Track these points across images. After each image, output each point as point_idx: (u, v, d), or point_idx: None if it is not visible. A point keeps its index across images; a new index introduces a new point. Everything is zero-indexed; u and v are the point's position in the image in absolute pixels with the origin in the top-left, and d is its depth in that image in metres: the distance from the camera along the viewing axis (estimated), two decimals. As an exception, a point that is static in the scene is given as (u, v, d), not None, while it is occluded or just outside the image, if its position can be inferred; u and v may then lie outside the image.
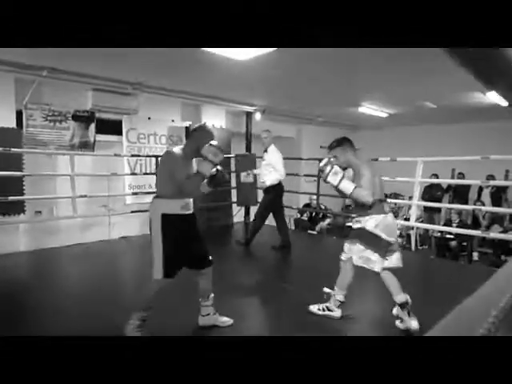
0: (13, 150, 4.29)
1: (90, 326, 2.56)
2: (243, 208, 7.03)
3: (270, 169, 4.65)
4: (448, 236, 6.37)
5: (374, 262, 2.46)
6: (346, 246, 2.62)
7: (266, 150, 4.71)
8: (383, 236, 2.44)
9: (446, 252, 6.39)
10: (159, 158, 2.72)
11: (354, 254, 2.54)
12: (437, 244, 6.72)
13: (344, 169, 2.58)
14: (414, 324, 2.41)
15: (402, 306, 2.48)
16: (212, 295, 2.52)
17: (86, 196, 5.02)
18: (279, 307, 2.97)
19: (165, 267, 2.24)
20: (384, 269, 2.48)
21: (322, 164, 2.54)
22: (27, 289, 3.46)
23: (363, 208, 2.49)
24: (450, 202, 7.64)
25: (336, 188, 2.52)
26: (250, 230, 5.00)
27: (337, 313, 2.66)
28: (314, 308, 2.73)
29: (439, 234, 6.62)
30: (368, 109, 6.90)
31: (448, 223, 6.47)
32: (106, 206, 5.77)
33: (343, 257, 2.63)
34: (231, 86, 5.35)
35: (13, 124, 4.59)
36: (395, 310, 2.54)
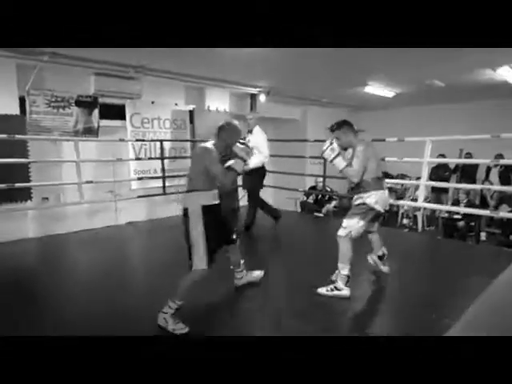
0: (17, 136, 4.28)
1: (98, 311, 2.59)
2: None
3: (255, 151, 4.58)
4: (455, 216, 6.33)
5: (362, 230, 2.75)
6: (345, 221, 2.76)
7: (250, 131, 4.63)
8: (381, 209, 2.77)
9: (454, 232, 6.36)
10: (191, 152, 2.86)
11: (354, 228, 2.70)
12: (444, 224, 6.69)
13: (345, 149, 2.84)
14: (385, 269, 3.02)
15: (380, 258, 3.01)
16: (242, 261, 2.88)
17: (91, 182, 5.03)
18: (286, 290, 2.98)
19: (208, 256, 2.34)
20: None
21: (324, 145, 2.80)
22: (36, 275, 3.51)
23: (364, 185, 2.76)
24: (457, 182, 7.56)
25: (331, 162, 2.79)
26: (248, 214, 5.00)
27: (345, 291, 2.68)
28: (322, 290, 2.75)
29: (446, 214, 6.58)
30: (374, 88, 6.76)
31: (456, 203, 6.42)
32: (112, 192, 5.79)
33: (341, 232, 2.73)
34: (235, 67, 5.25)
35: (16, 111, 4.57)
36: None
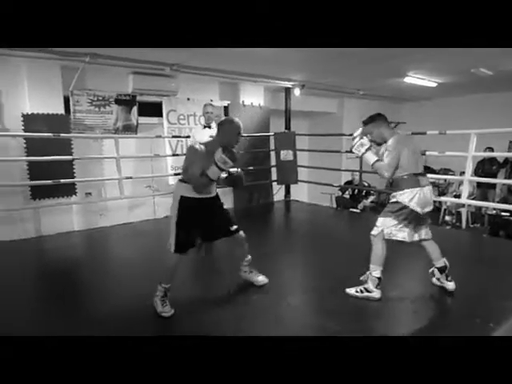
0: (62, 135, 4.52)
1: (132, 307, 2.68)
2: (283, 186, 6.98)
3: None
4: (503, 214, 5.95)
5: (406, 234, 2.56)
6: (379, 220, 2.63)
7: (209, 126, 4.40)
8: (417, 208, 2.54)
9: (500, 230, 5.98)
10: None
11: (386, 227, 2.57)
12: (491, 222, 6.30)
13: (378, 144, 2.67)
14: (450, 286, 2.70)
15: (441, 270, 2.73)
16: (248, 257, 2.86)
17: (131, 177, 5.22)
18: (315, 288, 2.93)
19: (176, 242, 2.45)
20: (416, 241, 2.62)
21: (354, 140, 2.67)
22: (79, 267, 3.70)
23: (398, 182, 2.59)
24: (506, 178, 7.09)
25: (360, 158, 2.70)
26: None
27: (376, 294, 2.59)
28: (351, 291, 2.68)
29: (494, 211, 6.20)
30: (414, 79, 6.46)
31: (506, 200, 6.02)
32: (150, 187, 5.97)
33: (374, 231, 2.63)
34: (269, 62, 5.20)
35: (61, 110, 4.81)
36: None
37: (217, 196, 2.70)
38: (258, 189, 6.71)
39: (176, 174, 5.87)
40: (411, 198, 2.53)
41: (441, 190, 7.74)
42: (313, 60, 5.25)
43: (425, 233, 2.71)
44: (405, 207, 2.54)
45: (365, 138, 2.64)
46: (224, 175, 2.62)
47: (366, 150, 2.61)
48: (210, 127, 4.43)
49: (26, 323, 2.40)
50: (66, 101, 4.87)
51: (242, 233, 2.77)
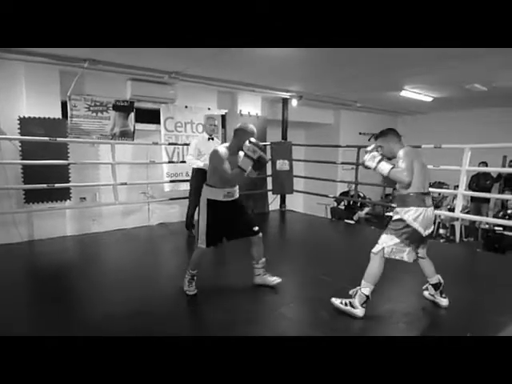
0: (58, 139, 4.51)
1: (123, 310, 2.65)
2: (279, 196, 6.99)
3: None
4: (497, 228, 5.98)
5: (406, 254, 2.50)
6: (382, 237, 2.57)
7: (212, 138, 4.63)
8: (420, 229, 2.48)
9: (495, 244, 6.00)
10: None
11: (387, 245, 2.50)
12: (484, 236, 6.34)
13: (389, 159, 2.61)
14: (444, 302, 2.70)
15: (436, 286, 2.73)
16: (263, 259, 3.05)
17: (126, 183, 5.20)
18: (300, 298, 2.92)
19: (207, 238, 2.79)
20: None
21: (366, 155, 2.64)
22: (71, 271, 3.66)
23: (404, 199, 2.51)
24: (500, 192, 7.15)
25: (375, 170, 2.60)
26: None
27: (359, 311, 2.52)
28: (336, 301, 2.63)
29: (487, 225, 6.23)
30: (411, 93, 6.54)
31: (501, 214, 6.07)
32: (145, 193, 5.95)
33: (375, 249, 2.56)
34: (267, 72, 5.25)
35: (58, 114, 4.81)
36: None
37: (239, 199, 2.97)
38: (253, 198, 6.71)
39: (172, 181, 5.87)
40: (416, 217, 2.46)
41: (435, 203, 7.79)
42: (311, 71, 5.31)
43: (422, 252, 2.68)
44: (408, 226, 2.47)
45: (375, 151, 2.60)
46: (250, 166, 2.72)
47: (379, 162, 2.53)
48: (213, 139, 4.58)
49: (17, 326, 2.37)
50: (64, 105, 4.87)
51: (260, 234, 3.01)
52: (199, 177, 4.40)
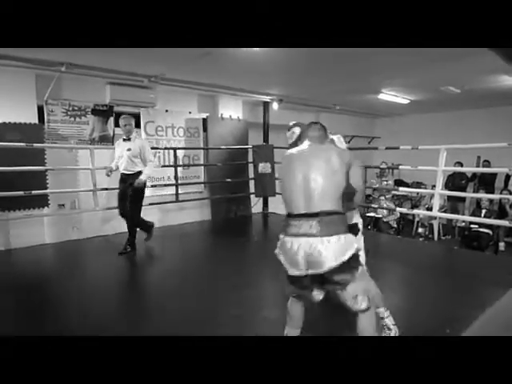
0: (35, 145, 4.41)
1: (102, 316, 2.62)
2: (261, 199, 7.02)
3: (137, 159, 4.23)
4: (472, 226, 6.18)
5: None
6: None
7: (128, 139, 4.25)
8: (286, 266, 1.87)
9: (474, 242, 6.19)
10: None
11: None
12: (460, 234, 6.53)
13: None
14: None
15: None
16: None
17: (106, 189, 5.11)
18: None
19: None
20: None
21: None
22: (49, 280, 3.57)
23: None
24: (474, 191, 7.39)
25: None
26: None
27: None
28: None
29: (463, 223, 6.43)
30: (388, 95, 6.70)
31: (477, 212, 6.27)
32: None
33: None
34: (247, 75, 5.29)
35: (35, 120, 4.70)
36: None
37: None
38: (235, 201, 6.72)
39: (153, 186, 5.81)
40: (278, 247, 1.92)
41: (413, 202, 7.98)
42: (291, 75, 5.38)
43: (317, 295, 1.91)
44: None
45: None
46: None
47: None
48: (129, 139, 4.23)
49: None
50: (41, 110, 4.77)
51: None
52: (119, 184, 4.34)
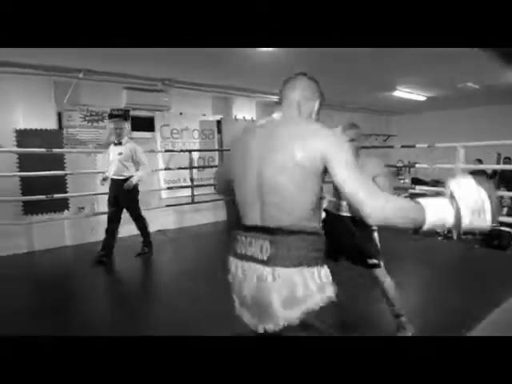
0: (54, 150, 4.53)
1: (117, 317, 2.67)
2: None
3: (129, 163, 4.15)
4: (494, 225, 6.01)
5: None
6: None
7: (120, 143, 4.14)
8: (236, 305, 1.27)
9: (495, 241, 6.02)
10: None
11: None
12: (481, 233, 6.35)
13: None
14: None
15: None
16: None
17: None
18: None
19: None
20: None
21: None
22: (69, 282, 3.67)
23: None
24: (495, 189, 7.20)
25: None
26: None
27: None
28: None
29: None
30: (403, 93, 6.60)
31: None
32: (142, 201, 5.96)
33: None
34: (260, 76, 5.30)
35: (54, 125, 4.84)
36: None
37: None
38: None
39: (169, 188, 5.89)
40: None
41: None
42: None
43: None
44: None
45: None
46: None
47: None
48: (120, 143, 4.15)
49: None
50: (60, 116, 4.90)
51: None
52: (110, 189, 4.22)
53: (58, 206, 4.83)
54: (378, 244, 2.40)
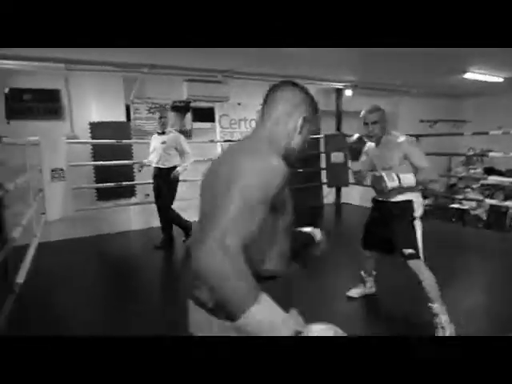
0: (123, 141, 4.88)
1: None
2: (334, 189, 6.89)
3: (171, 152, 4.19)
4: None
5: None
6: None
7: (163, 132, 4.23)
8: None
9: None
10: None
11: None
12: None
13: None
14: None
15: None
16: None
17: (186, 180, 5.47)
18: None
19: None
20: None
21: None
22: (135, 265, 3.97)
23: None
24: None
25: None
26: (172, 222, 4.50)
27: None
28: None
29: None
30: (477, 74, 6.03)
31: None
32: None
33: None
34: (320, 63, 5.18)
35: (123, 118, 5.20)
36: None
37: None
38: (307, 191, 6.69)
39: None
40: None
41: (506, 193, 7.15)
42: (366, 60, 5.14)
43: None
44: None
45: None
46: None
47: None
48: (164, 133, 4.24)
49: (98, 323, 2.64)
50: (127, 109, 5.26)
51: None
52: (153, 178, 4.32)
53: (126, 193, 5.22)
54: (419, 234, 2.27)
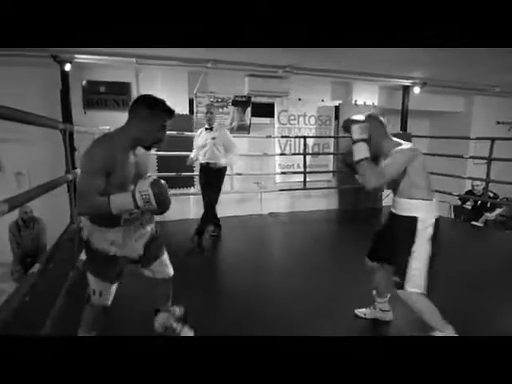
0: (185, 133, 5.09)
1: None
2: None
3: (219, 148, 4.11)
4: None
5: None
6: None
7: (210, 128, 4.16)
8: None
9: None
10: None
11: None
12: None
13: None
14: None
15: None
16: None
17: (241, 174, 5.58)
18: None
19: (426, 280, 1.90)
20: None
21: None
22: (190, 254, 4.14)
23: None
24: None
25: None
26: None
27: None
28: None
29: None
30: None
31: None
32: (258, 184, 6.28)
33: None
34: (385, 59, 4.95)
35: (186, 111, 5.42)
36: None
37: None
38: (364, 192, 6.46)
39: (283, 173, 6.07)
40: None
41: None
42: (437, 53, 4.80)
43: None
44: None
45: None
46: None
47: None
48: (211, 129, 4.19)
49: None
50: (190, 102, 5.46)
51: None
52: (201, 173, 4.33)
53: (185, 183, 5.44)
54: (421, 262, 1.88)
